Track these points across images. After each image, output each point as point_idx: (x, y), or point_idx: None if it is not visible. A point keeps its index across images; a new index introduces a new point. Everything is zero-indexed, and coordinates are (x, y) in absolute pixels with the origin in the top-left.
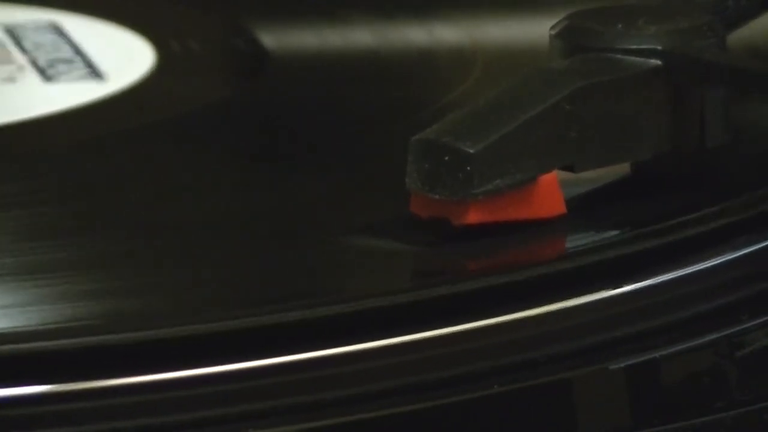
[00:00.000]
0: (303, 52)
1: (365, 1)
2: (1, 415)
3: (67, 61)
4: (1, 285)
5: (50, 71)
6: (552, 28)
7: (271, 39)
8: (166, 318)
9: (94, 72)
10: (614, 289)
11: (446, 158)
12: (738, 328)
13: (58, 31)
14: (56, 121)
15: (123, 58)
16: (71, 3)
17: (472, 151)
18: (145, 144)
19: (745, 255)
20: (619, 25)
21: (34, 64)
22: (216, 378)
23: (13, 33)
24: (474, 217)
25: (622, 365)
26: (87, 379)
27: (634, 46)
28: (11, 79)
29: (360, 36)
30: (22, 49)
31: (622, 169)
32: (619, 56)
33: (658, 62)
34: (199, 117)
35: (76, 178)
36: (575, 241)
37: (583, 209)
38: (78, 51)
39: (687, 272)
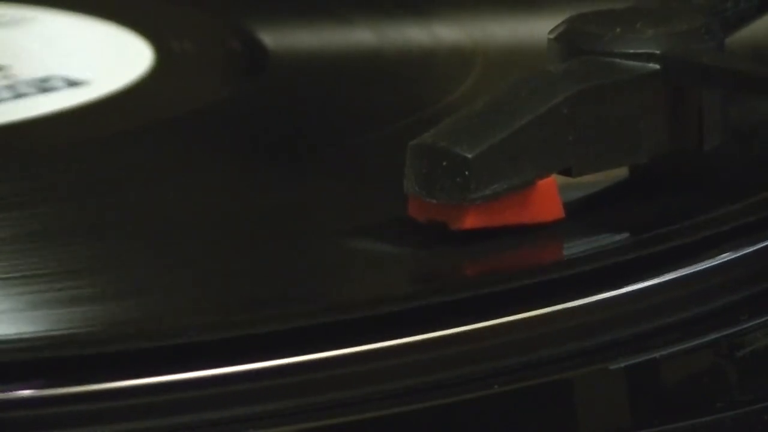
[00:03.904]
0: (303, 52)
1: (366, 1)
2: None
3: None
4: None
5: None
6: (550, 31)
7: (271, 39)
8: (164, 321)
9: None
10: (614, 289)
11: (443, 163)
12: (738, 328)
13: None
14: (55, 121)
15: (122, 57)
16: (71, 2)
17: (469, 155)
18: (145, 144)
19: (744, 255)
20: (618, 29)
21: None
22: (215, 380)
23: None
24: (471, 221)
25: (622, 365)
26: (85, 382)
27: (632, 50)
28: None
29: (360, 36)
30: None
31: (620, 172)
32: (617, 60)
33: (657, 66)
34: (199, 117)
35: (74, 179)
36: (574, 245)
37: (582, 213)
38: None
39: (687, 273)
